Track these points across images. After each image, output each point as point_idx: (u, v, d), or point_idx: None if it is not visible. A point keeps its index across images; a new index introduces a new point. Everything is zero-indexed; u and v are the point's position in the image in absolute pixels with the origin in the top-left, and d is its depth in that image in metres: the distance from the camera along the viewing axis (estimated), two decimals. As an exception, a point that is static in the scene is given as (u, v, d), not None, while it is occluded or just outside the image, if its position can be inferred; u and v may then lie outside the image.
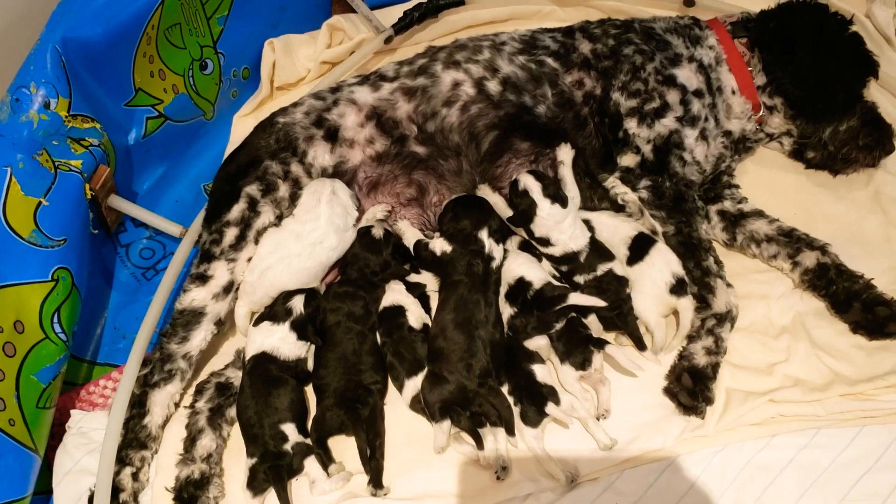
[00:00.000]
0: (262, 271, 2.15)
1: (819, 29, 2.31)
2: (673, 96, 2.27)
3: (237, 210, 2.21)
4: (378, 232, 2.26)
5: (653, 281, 2.13)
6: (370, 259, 2.24)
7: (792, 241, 2.25)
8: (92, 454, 2.12)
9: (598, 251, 2.19)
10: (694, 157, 2.26)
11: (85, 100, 2.30)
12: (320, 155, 2.30)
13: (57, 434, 2.23)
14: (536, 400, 1.99)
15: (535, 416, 1.99)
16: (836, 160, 2.40)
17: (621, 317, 2.12)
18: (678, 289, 2.11)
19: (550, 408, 1.97)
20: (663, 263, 2.14)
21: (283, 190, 2.25)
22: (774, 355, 2.13)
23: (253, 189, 2.23)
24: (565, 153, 2.27)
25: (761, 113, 2.39)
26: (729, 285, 2.15)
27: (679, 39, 2.36)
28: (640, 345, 2.10)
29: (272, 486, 1.96)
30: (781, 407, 2.03)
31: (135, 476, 2.07)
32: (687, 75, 2.30)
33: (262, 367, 2.09)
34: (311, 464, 1.98)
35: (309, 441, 2.02)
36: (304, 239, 2.16)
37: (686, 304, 2.12)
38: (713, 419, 2.03)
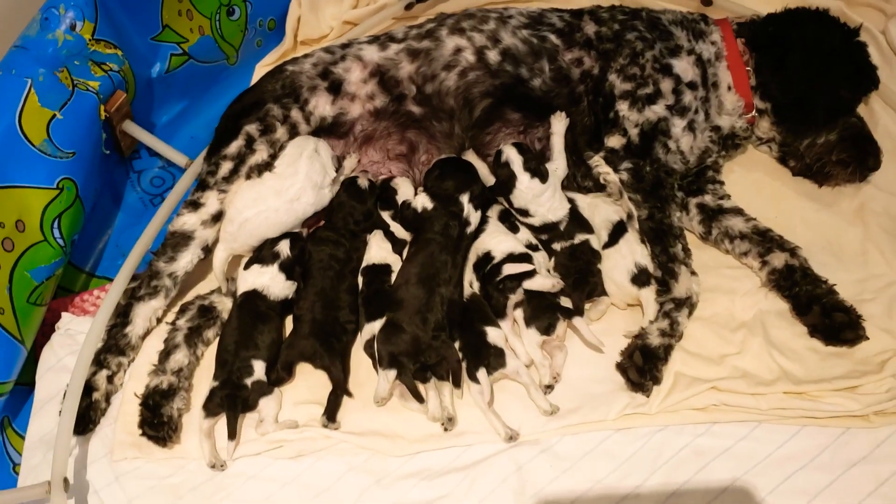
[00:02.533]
0: (241, 224, 2.25)
1: (818, 39, 2.32)
2: (666, 85, 2.31)
3: (235, 146, 2.34)
4: (363, 182, 2.37)
5: (616, 267, 2.21)
6: (355, 207, 2.34)
7: (765, 241, 2.28)
8: (74, 354, 2.23)
9: (579, 222, 2.28)
10: (679, 146, 2.31)
11: (111, 27, 2.45)
12: (321, 105, 2.41)
13: (48, 333, 2.39)
14: (478, 360, 2.07)
15: (478, 372, 2.07)
16: (813, 172, 2.43)
17: (577, 282, 2.19)
18: (639, 279, 2.18)
19: (481, 373, 2.05)
20: (628, 251, 2.21)
21: (281, 132, 2.36)
22: (728, 347, 2.17)
23: (252, 128, 2.35)
24: (559, 122, 2.34)
25: (753, 113, 2.42)
26: (694, 273, 2.20)
27: (683, 32, 2.40)
28: (578, 310, 2.17)
29: (225, 412, 2.07)
30: (724, 396, 2.07)
31: (109, 379, 2.22)
32: (683, 67, 2.34)
33: (252, 303, 2.21)
34: (265, 404, 2.09)
35: (267, 382, 2.12)
36: (284, 195, 2.25)
37: (647, 295, 2.18)
38: (657, 399, 2.08)
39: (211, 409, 2.08)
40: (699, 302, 2.21)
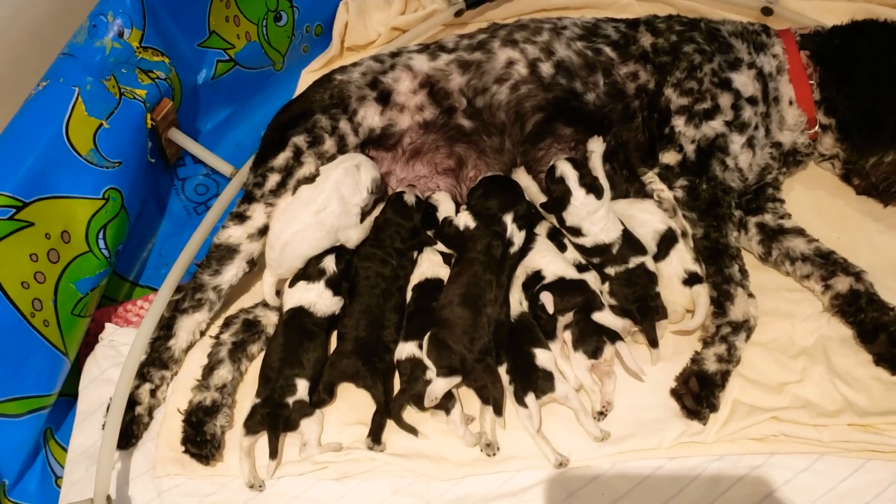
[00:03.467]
0: (282, 248, 2.21)
1: (887, 52, 2.23)
2: (725, 100, 2.23)
3: (282, 158, 2.30)
4: (410, 198, 2.32)
5: (669, 278, 2.16)
6: (402, 224, 2.29)
7: (828, 264, 2.19)
8: (118, 366, 2.22)
9: (631, 244, 2.19)
10: (737, 163, 2.23)
11: (158, 34, 2.43)
12: (370, 115, 2.36)
13: (91, 344, 2.38)
14: (527, 383, 2.01)
15: (526, 396, 2.02)
16: (879, 191, 2.33)
17: (641, 311, 2.11)
18: (690, 280, 2.15)
19: (529, 398, 1.99)
20: (678, 261, 2.17)
21: (329, 144, 2.31)
22: (789, 375, 2.09)
23: (300, 140, 2.31)
24: (596, 144, 2.27)
25: (816, 129, 2.33)
26: (751, 296, 2.12)
27: (743, 44, 2.32)
28: (652, 342, 2.10)
29: (266, 430, 2.03)
30: (785, 426, 1.99)
31: (153, 392, 2.19)
32: (743, 81, 2.26)
33: (298, 320, 2.17)
34: (307, 426, 2.04)
35: (310, 403, 2.07)
36: (311, 206, 2.20)
37: (699, 291, 2.13)
38: (714, 428, 2.00)
39: (252, 426, 2.04)
40: (757, 326, 2.12)
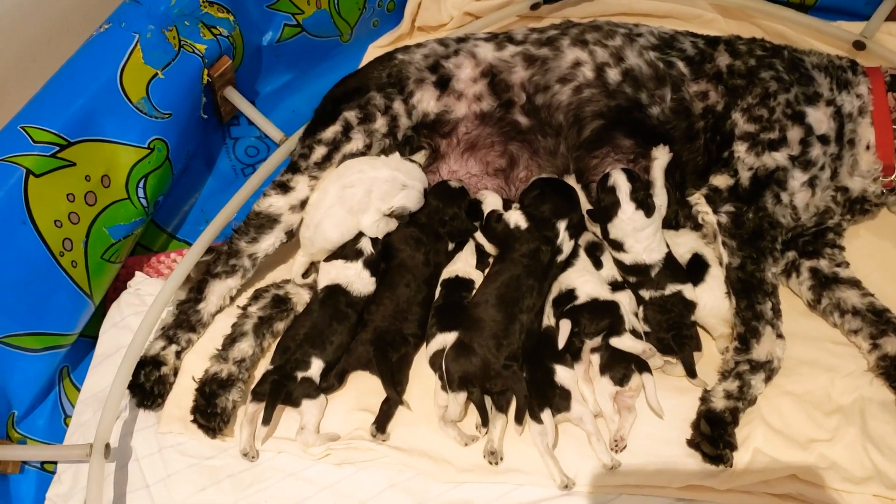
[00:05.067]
0: (315, 226, 2.18)
1: None
2: (794, 133, 2.11)
3: (331, 131, 2.25)
4: (455, 183, 2.27)
5: (715, 307, 2.09)
6: (440, 208, 2.23)
7: (880, 322, 2.06)
8: (138, 315, 2.22)
9: (672, 270, 2.11)
10: (792, 200, 2.11)
11: (227, -9, 2.42)
12: (426, 99, 2.30)
13: (120, 289, 2.39)
14: (543, 399, 1.94)
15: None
16: None
17: (677, 340, 2.04)
18: None
19: (545, 414, 1.92)
20: (718, 287, 2.09)
21: (380, 123, 2.26)
22: (819, 432, 1.97)
23: (351, 115, 2.26)
24: (662, 153, 2.18)
25: (892, 178, 2.19)
26: (780, 336, 2.01)
27: (826, 79, 2.19)
28: (690, 372, 2.02)
29: (266, 398, 1.99)
30: (805, 487, 1.88)
31: (178, 355, 2.16)
32: (818, 117, 2.13)
33: (335, 299, 2.14)
34: (308, 407, 2.01)
35: (318, 386, 2.04)
36: (341, 180, 2.16)
37: None
38: (729, 475, 1.91)
39: (260, 393, 2.01)
40: (794, 376, 2.02)
